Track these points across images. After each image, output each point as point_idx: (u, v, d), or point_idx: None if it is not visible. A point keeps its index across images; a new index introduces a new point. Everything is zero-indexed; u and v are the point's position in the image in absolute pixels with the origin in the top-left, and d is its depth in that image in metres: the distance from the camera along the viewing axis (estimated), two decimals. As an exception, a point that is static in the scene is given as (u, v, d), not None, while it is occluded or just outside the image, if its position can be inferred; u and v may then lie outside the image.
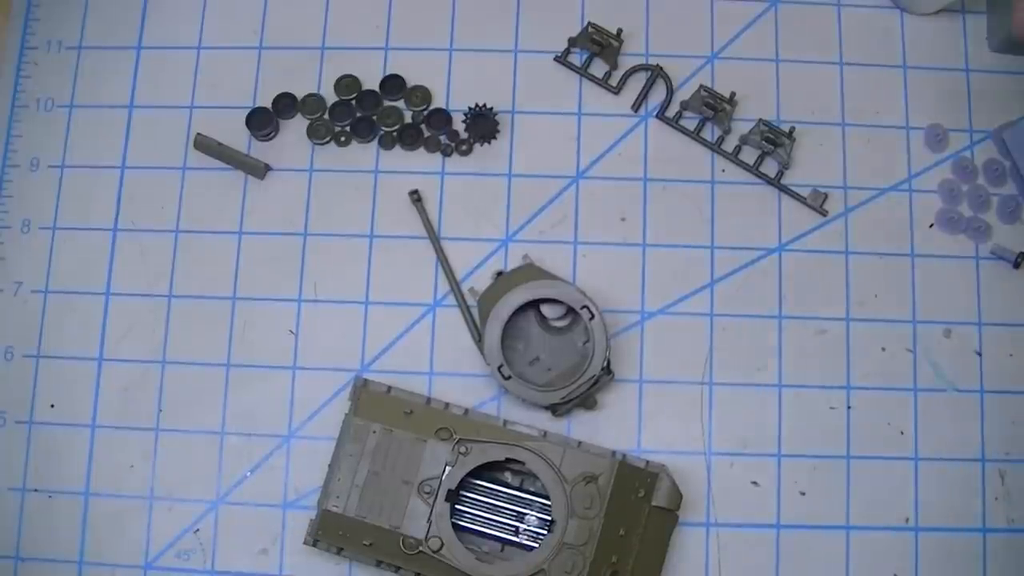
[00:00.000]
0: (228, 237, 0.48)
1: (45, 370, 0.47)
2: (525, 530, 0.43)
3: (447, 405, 0.43)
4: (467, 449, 0.42)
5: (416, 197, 0.48)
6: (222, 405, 0.46)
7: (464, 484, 0.42)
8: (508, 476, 0.44)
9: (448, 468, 0.42)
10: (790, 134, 0.48)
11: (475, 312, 0.46)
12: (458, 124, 0.49)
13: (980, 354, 0.47)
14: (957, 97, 0.50)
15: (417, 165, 0.49)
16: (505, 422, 0.43)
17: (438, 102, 0.49)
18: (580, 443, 0.43)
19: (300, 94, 0.49)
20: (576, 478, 0.42)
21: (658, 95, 0.49)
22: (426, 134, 0.49)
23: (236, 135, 0.49)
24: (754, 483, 0.45)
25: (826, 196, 0.48)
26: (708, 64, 0.50)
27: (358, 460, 0.42)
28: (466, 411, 0.43)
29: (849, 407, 0.46)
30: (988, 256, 0.48)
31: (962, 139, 0.49)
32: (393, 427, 0.42)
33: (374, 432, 0.42)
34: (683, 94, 0.49)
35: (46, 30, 0.51)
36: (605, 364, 0.44)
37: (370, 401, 0.43)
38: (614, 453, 0.42)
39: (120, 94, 0.50)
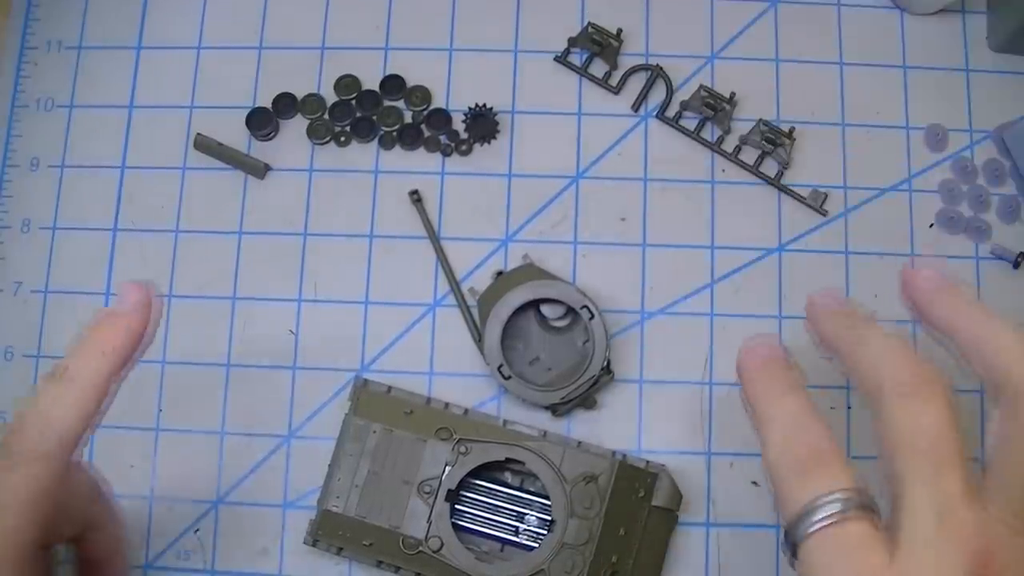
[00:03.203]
0: (228, 237, 0.48)
1: (45, 370, 0.47)
2: (525, 530, 0.43)
3: (447, 405, 0.43)
4: (467, 449, 0.42)
5: (416, 197, 0.48)
6: (222, 405, 0.46)
7: (464, 484, 0.42)
8: (508, 476, 0.44)
9: (448, 468, 0.42)
10: (790, 134, 0.48)
11: (475, 312, 0.46)
12: (458, 124, 0.49)
13: (980, 354, 0.46)
14: (957, 97, 0.50)
15: (417, 165, 0.49)
16: (505, 422, 0.43)
17: (438, 102, 0.49)
18: (580, 443, 0.43)
19: (300, 94, 0.49)
20: (576, 478, 0.42)
21: (658, 95, 0.49)
22: (426, 134, 0.49)
23: (236, 135, 0.49)
24: (754, 483, 0.45)
25: (826, 196, 0.48)
26: (708, 64, 0.50)
27: (358, 460, 0.42)
28: (466, 411, 0.43)
29: (849, 407, 0.46)
30: (988, 256, 0.48)
31: (962, 139, 0.49)
32: (393, 427, 0.42)
33: (374, 432, 0.42)
34: (683, 94, 0.49)
35: (46, 30, 0.51)
36: (605, 364, 0.44)
37: (370, 401, 0.43)
38: (614, 453, 0.42)
39: (120, 94, 0.50)
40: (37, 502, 0.29)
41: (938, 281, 0.33)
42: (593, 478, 0.42)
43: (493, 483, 0.43)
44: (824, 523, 0.26)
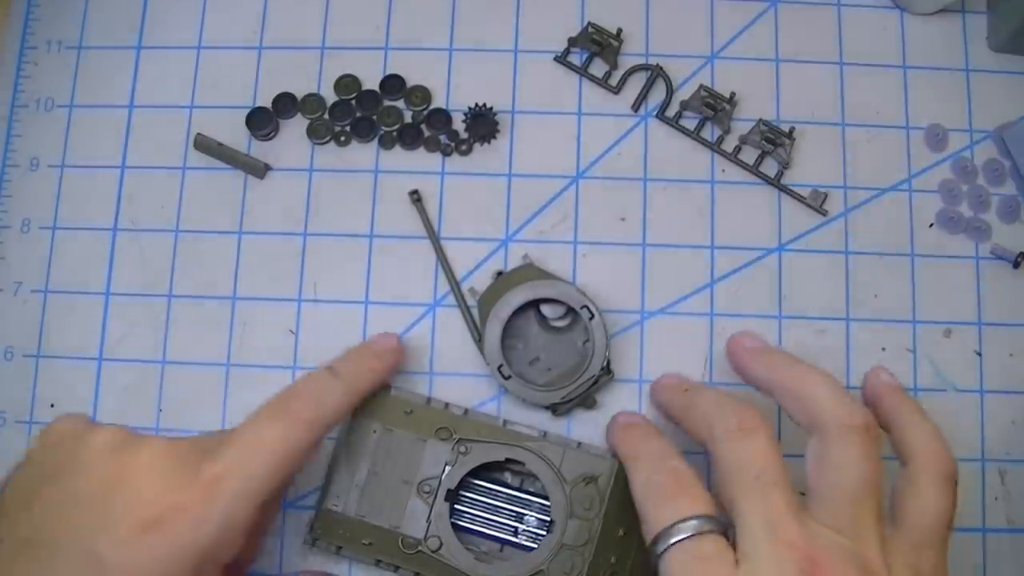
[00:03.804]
0: (228, 237, 0.48)
1: (45, 370, 0.47)
2: (524, 530, 0.43)
3: (447, 405, 0.43)
4: (467, 449, 0.42)
5: (416, 197, 0.48)
6: (222, 405, 0.46)
7: (464, 484, 0.42)
8: (508, 476, 0.44)
9: (448, 468, 0.42)
10: (790, 134, 0.48)
11: (475, 312, 0.46)
12: (458, 124, 0.49)
13: (980, 354, 0.47)
14: (957, 97, 0.50)
15: (417, 165, 0.49)
16: (505, 422, 0.43)
17: (438, 102, 0.49)
18: (580, 443, 0.43)
19: (300, 94, 0.49)
20: (576, 479, 0.42)
21: (658, 95, 0.49)
22: (426, 134, 0.49)
23: (236, 135, 0.49)
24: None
25: (826, 196, 0.48)
26: (708, 64, 0.50)
27: (358, 460, 0.42)
28: (466, 411, 0.43)
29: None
30: (988, 256, 0.48)
31: (962, 139, 0.49)
32: (393, 427, 0.42)
33: (374, 432, 0.42)
34: (683, 94, 0.49)
35: (46, 30, 0.51)
36: (605, 364, 0.44)
37: (370, 401, 0.43)
38: (614, 454, 0.42)
39: (120, 94, 0.50)
40: (286, 458, 0.34)
41: (756, 344, 0.39)
42: (593, 479, 0.42)
43: (493, 483, 0.43)
44: (682, 539, 0.32)
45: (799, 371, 0.37)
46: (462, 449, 0.42)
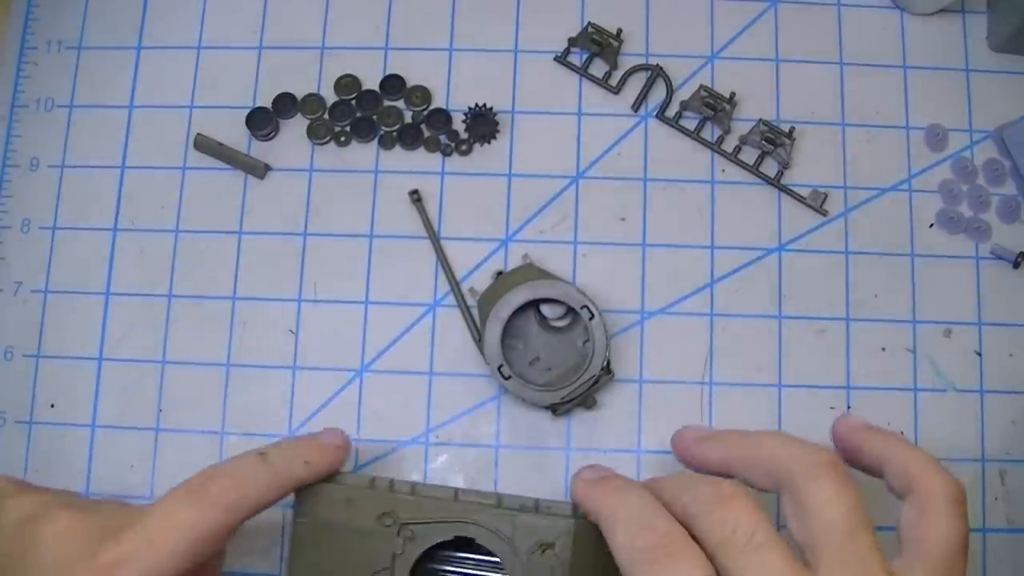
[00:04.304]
0: (228, 237, 0.48)
1: (45, 370, 0.47)
2: None
3: (392, 484, 0.38)
4: (412, 534, 0.37)
5: (416, 197, 0.48)
6: (222, 405, 0.46)
7: (428, 559, 0.38)
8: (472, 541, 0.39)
9: (396, 557, 0.37)
10: (790, 134, 0.48)
11: (475, 312, 0.46)
12: (458, 124, 0.49)
13: (980, 354, 0.47)
14: (957, 97, 0.50)
15: (417, 165, 0.49)
16: (456, 493, 0.38)
17: (438, 102, 0.49)
18: (538, 504, 0.37)
19: (300, 94, 0.49)
20: (531, 547, 0.37)
21: (658, 95, 0.49)
22: (426, 134, 0.49)
23: (236, 135, 0.49)
24: (754, 483, 0.45)
25: (826, 196, 0.48)
26: (708, 64, 0.50)
27: (308, 561, 0.38)
28: (413, 487, 0.38)
29: (849, 407, 0.46)
30: (988, 256, 0.48)
31: (962, 139, 0.49)
32: (333, 520, 0.38)
33: (317, 528, 0.38)
34: (683, 94, 0.49)
35: (46, 30, 0.51)
36: (605, 364, 0.44)
37: (308, 493, 0.38)
38: (574, 510, 0.37)
39: (120, 94, 0.50)
40: (197, 543, 0.33)
41: (701, 432, 0.38)
42: (549, 545, 0.37)
43: (460, 551, 0.39)
44: None
45: (750, 438, 0.35)
46: (407, 534, 0.37)
